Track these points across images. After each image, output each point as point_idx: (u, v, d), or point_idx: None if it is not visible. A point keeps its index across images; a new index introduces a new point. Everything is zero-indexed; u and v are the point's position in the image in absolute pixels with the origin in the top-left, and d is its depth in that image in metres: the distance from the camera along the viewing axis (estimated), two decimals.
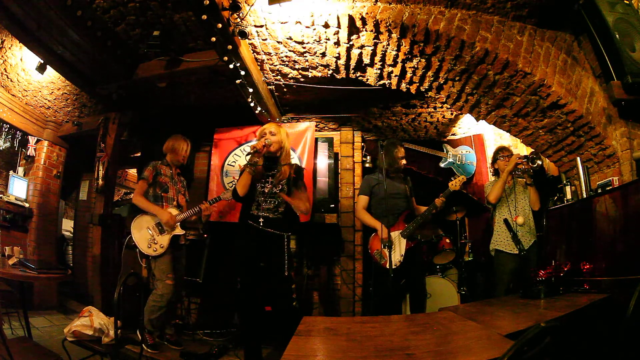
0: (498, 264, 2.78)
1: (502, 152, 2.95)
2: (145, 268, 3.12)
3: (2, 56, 3.23)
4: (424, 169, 4.17)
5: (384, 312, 2.53)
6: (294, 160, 3.64)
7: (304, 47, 2.69)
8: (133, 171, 6.20)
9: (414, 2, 2.30)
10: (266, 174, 2.45)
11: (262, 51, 2.81)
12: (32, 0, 2.23)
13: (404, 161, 3.02)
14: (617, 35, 2.27)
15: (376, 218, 2.84)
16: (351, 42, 2.54)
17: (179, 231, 2.85)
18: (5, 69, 3.42)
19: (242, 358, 2.71)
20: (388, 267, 2.49)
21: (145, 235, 2.75)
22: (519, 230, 2.67)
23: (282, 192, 2.41)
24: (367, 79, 2.90)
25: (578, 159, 2.67)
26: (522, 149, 3.77)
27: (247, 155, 2.41)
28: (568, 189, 2.76)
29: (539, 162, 2.76)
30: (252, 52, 2.82)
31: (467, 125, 4.05)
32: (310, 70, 2.97)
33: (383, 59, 2.64)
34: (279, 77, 3.14)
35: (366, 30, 2.42)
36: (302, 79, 3.12)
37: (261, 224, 2.36)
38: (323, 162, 3.85)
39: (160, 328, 2.76)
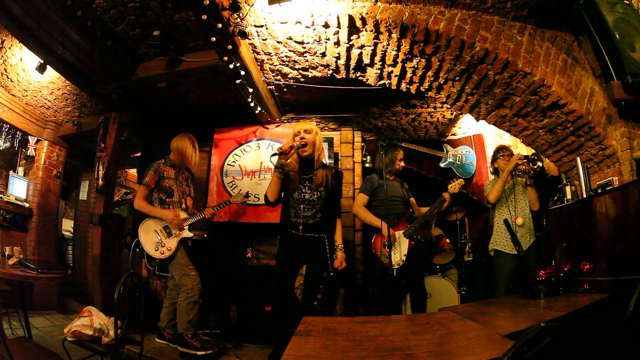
0: (497, 264, 2.77)
1: (502, 151, 2.95)
2: (146, 269, 3.11)
3: (2, 56, 3.23)
4: (424, 169, 4.17)
5: (384, 312, 2.53)
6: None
7: (304, 47, 2.69)
8: (133, 171, 6.21)
9: (414, 2, 2.30)
10: (303, 177, 2.37)
11: (262, 51, 2.81)
12: (32, 0, 2.23)
13: (402, 163, 3.04)
14: (617, 35, 2.28)
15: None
16: (351, 42, 2.54)
17: (186, 234, 2.81)
18: (5, 69, 3.42)
19: (242, 358, 2.72)
20: (392, 265, 2.50)
21: (153, 239, 2.73)
22: (518, 231, 2.67)
23: (321, 200, 2.35)
24: (367, 79, 2.90)
25: (578, 159, 2.67)
26: (522, 149, 3.77)
27: (272, 156, 2.30)
28: (568, 189, 2.76)
29: (540, 163, 2.75)
30: (252, 52, 2.82)
31: (467, 125, 4.05)
32: (310, 70, 2.97)
33: (383, 59, 2.64)
34: (279, 77, 3.14)
35: (366, 30, 2.42)
36: (302, 79, 3.12)
37: (301, 231, 2.33)
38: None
39: (196, 326, 2.71)
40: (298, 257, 2.40)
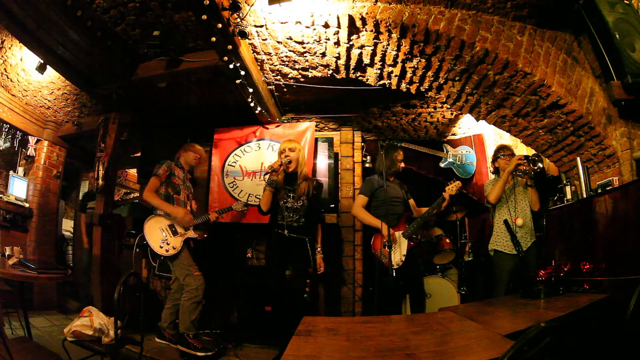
0: (497, 264, 2.77)
1: (503, 150, 2.94)
2: (146, 268, 3.10)
3: (2, 56, 3.23)
4: (424, 169, 4.17)
5: (384, 312, 2.53)
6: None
7: (304, 47, 2.69)
8: (133, 171, 6.21)
9: (414, 2, 2.30)
10: (287, 188, 2.71)
11: (262, 51, 2.81)
12: (32, 0, 2.23)
13: (402, 164, 3.04)
14: (617, 35, 2.27)
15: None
16: (351, 42, 2.54)
17: (191, 234, 2.83)
18: (5, 69, 3.42)
19: (243, 358, 2.72)
20: (391, 266, 2.51)
21: (158, 235, 2.73)
22: (518, 232, 2.67)
23: (303, 208, 2.69)
24: (367, 79, 2.90)
25: (578, 159, 2.67)
26: (522, 149, 3.77)
27: (264, 174, 2.73)
28: (568, 189, 2.76)
29: (540, 164, 2.74)
30: (252, 52, 2.82)
31: (467, 125, 4.06)
32: (310, 70, 2.97)
33: (383, 59, 2.64)
34: (279, 77, 3.14)
35: (366, 30, 2.42)
36: (302, 79, 3.12)
37: (286, 232, 2.65)
38: (323, 162, 3.85)
39: (198, 326, 2.74)
40: (285, 255, 2.69)
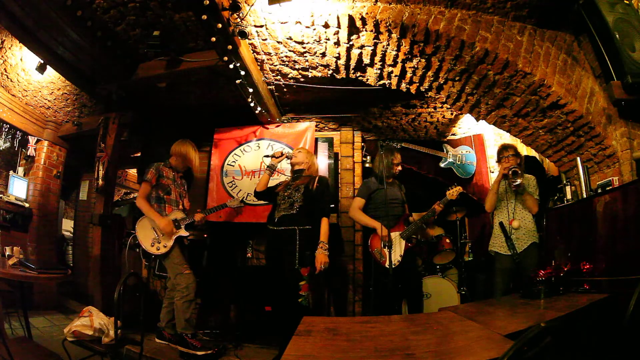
0: (494, 265, 2.78)
1: (505, 151, 2.87)
2: (146, 268, 3.10)
3: (2, 56, 3.23)
4: (424, 169, 4.17)
5: (383, 312, 2.53)
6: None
7: (304, 47, 2.69)
8: (133, 171, 6.21)
9: (414, 2, 2.30)
10: (290, 183, 2.80)
11: (262, 51, 2.81)
12: (32, 0, 2.23)
13: (399, 167, 3.04)
14: (617, 35, 2.27)
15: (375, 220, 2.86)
16: (351, 42, 2.54)
17: (183, 232, 2.84)
18: (5, 69, 3.42)
19: (242, 358, 2.72)
20: (387, 266, 2.51)
21: (150, 235, 2.74)
22: (514, 233, 2.65)
23: (298, 193, 2.69)
24: (367, 79, 2.90)
25: (578, 159, 2.67)
26: (522, 149, 3.77)
27: (264, 157, 3.02)
28: (568, 189, 2.75)
29: (519, 180, 2.63)
30: (252, 52, 2.82)
31: (467, 125, 4.06)
32: (310, 70, 2.97)
33: (383, 59, 2.64)
34: (279, 77, 3.14)
35: (366, 30, 2.42)
36: (302, 79, 3.12)
37: (277, 223, 2.64)
38: (323, 162, 3.85)
39: (195, 325, 2.74)
40: (279, 251, 2.63)
